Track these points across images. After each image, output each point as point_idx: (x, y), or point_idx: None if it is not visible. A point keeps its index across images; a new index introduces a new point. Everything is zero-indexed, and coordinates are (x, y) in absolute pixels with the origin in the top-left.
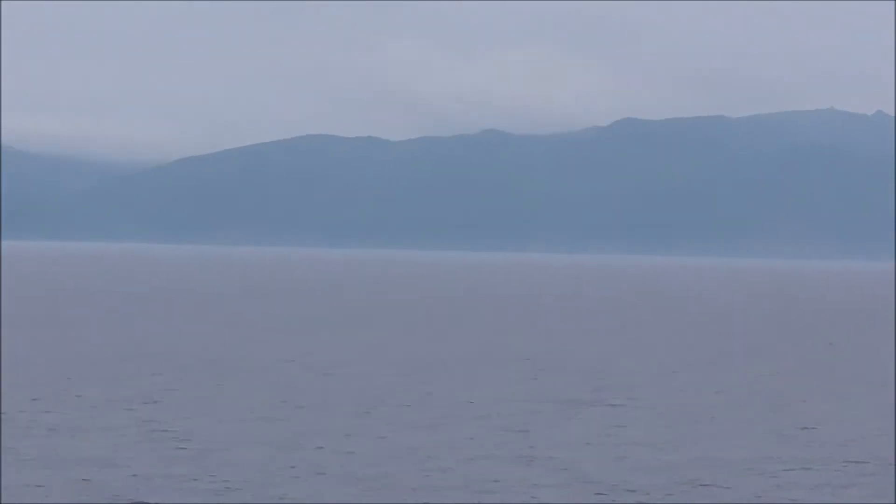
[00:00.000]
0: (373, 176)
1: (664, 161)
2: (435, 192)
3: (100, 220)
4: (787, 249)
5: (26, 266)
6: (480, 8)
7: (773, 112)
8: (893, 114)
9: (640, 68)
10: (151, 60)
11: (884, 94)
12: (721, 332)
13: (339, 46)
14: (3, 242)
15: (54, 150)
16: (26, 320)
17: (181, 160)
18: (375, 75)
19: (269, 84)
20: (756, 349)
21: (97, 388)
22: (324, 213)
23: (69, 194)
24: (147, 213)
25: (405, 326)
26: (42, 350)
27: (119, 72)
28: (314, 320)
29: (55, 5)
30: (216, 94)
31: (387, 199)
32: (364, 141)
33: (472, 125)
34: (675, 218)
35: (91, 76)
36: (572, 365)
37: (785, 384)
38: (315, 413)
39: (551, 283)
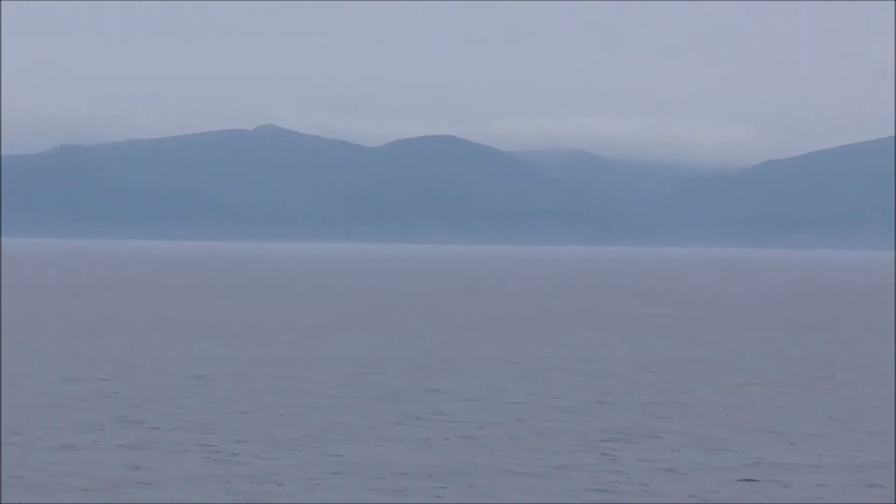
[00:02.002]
0: None
1: None
2: None
3: (679, 225)
4: None
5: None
6: None
7: None
8: None
9: None
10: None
11: None
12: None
13: None
14: (604, 248)
15: (630, 155)
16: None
17: (765, 163)
18: None
19: (862, 82)
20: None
21: None
22: None
23: (651, 198)
24: (727, 217)
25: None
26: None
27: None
28: None
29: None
30: (793, 94)
31: None
32: None
33: None
34: None
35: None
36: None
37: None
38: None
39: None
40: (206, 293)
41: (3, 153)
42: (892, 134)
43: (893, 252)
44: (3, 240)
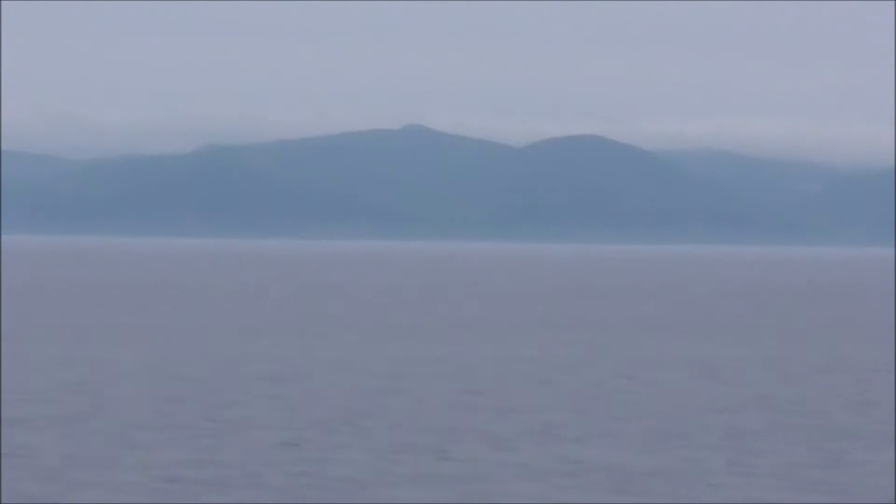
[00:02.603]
0: None
1: None
2: None
3: (828, 225)
4: None
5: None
6: None
7: None
8: None
9: None
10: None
11: None
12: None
13: None
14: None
15: (776, 155)
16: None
17: None
18: None
19: None
20: None
21: None
22: None
23: (799, 198)
24: (880, 216)
25: None
26: None
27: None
28: None
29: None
30: None
31: None
32: None
33: None
34: None
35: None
36: None
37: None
38: None
39: None
40: (366, 292)
41: (150, 153)
42: None
43: None
44: (150, 239)
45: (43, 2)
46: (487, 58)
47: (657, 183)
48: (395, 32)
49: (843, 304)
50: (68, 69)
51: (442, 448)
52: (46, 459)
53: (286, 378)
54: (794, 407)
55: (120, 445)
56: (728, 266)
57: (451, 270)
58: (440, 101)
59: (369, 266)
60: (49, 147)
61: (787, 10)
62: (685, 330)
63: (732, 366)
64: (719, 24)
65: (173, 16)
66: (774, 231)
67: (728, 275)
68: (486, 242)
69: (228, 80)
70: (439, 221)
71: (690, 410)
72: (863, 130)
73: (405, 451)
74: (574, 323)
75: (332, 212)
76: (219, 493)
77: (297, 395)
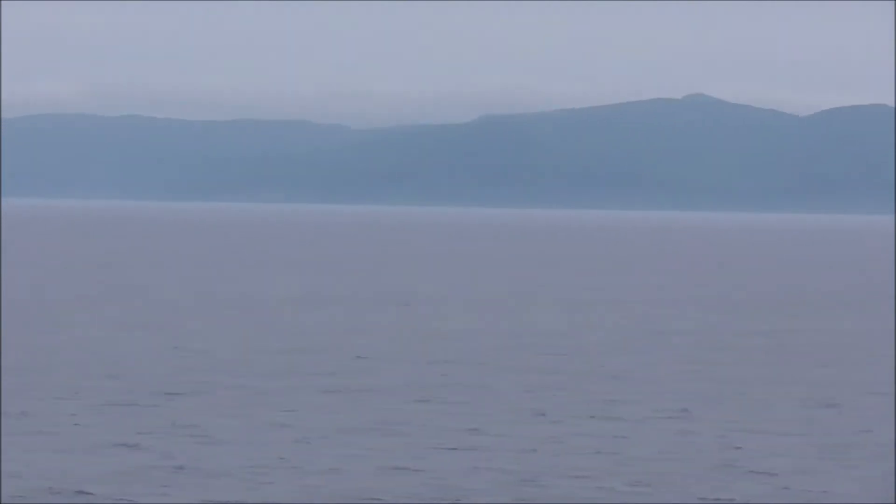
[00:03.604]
0: None
1: None
2: None
3: None
4: None
5: None
6: None
7: None
8: None
9: None
10: None
11: None
12: None
13: None
14: None
15: None
16: None
17: None
18: None
19: None
20: None
21: None
22: None
23: None
24: None
25: None
26: None
27: None
28: None
29: None
30: None
31: None
32: None
33: None
34: None
35: None
36: None
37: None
38: None
39: None
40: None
41: (430, 123)
42: None
43: None
44: (429, 208)
45: None
46: (769, 26)
47: None
48: (676, 3)
49: None
50: (352, 43)
51: None
52: None
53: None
54: None
55: None
56: None
57: (756, 243)
58: (724, 70)
59: (673, 237)
60: (335, 117)
61: None
62: None
63: None
64: None
65: None
66: None
67: None
68: (766, 214)
69: (509, 50)
70: (722, 192)
71: None
72: None
73: None
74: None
75: (612, 182)
76: None
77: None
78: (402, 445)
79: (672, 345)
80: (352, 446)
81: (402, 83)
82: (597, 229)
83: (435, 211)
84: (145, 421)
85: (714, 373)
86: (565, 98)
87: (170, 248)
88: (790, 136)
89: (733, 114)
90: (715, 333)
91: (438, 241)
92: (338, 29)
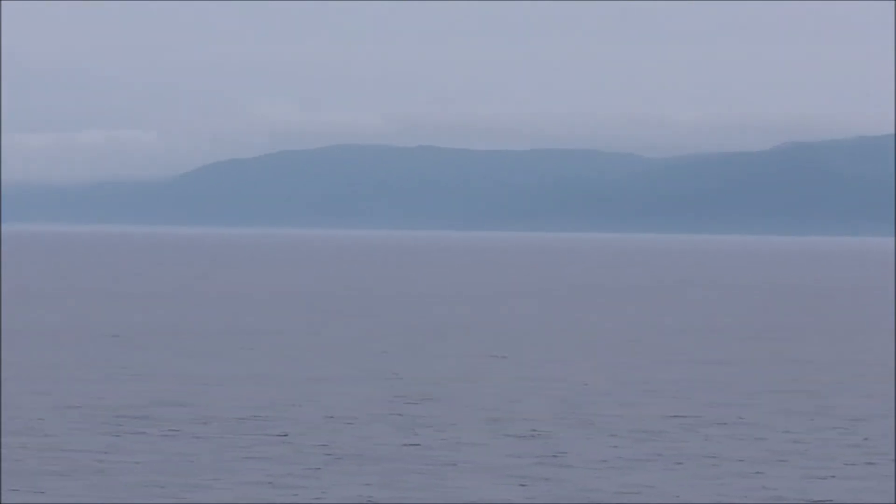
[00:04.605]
0: None
1: None
2: None
3: None
4: None
5: None
6: None
7: None
8: None
9: None
10: None
11: None
12: None
13: None
14: None
15: None
16: None
17: None
18: None
19: None
20: None
21: None
22: None
23: None
24: None
25: None
26: None
27: None
28: None
29: None
30: None
31: None
32: None
33: None
34: None
35: None
36: None
37: None
38: None
39: None
40: None
41: (727, 150)
42: None
43: None
44: (726, 236)
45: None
46: None
47: None
48: None
49: None
50: (647, 72)
51: None
52: None
53: None
54: None
55: None
56: None
57: None
58: None
59: None
60: (626, 146)
61: None
62: None
63: None
64: None
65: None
66: None
67: None
68: None
69: (809, 77)
70: None
71: None
72: None
73: None
74: None
75: None
76: None
77: None
78: None
79: None
80: None
81: (697, 111)
82: None
83: (730, 239)
84: None
85: None
86: (866, 123)
87: (524, 280)
88: None
89: None
90: None
91: (759, 270)
92: (635, 60)
